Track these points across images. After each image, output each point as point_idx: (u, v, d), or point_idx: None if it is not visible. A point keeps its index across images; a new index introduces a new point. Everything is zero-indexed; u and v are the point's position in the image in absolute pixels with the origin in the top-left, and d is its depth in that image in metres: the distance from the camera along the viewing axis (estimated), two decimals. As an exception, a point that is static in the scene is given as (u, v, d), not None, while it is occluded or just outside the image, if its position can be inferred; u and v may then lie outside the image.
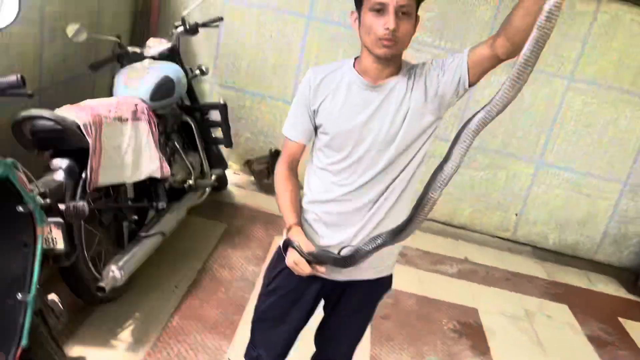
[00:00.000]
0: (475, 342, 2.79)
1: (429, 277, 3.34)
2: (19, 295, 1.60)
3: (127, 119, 2.40)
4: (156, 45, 3.05)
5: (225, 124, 3.21)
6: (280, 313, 1.68)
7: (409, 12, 1.37)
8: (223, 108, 3.19)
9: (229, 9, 3.85)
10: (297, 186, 1.60)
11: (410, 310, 2.94)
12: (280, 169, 1.61)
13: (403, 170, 1.52)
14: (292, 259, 1.47)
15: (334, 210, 1.55)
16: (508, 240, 4.14)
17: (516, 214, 4.10)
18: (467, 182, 4.05)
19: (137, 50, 2.99)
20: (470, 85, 1.43)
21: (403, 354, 2.58)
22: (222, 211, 3.54)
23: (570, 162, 3.93)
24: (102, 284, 2.15)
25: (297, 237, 1.48)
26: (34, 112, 2.03)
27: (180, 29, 3.13)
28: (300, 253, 1.44)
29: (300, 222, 1.56)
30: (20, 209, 1.55)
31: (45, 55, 2.81)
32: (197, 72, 3.27)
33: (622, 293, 3.75)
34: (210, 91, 4.08)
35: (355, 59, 1.54)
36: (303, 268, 1.45)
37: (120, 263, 2.23)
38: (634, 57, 3.66)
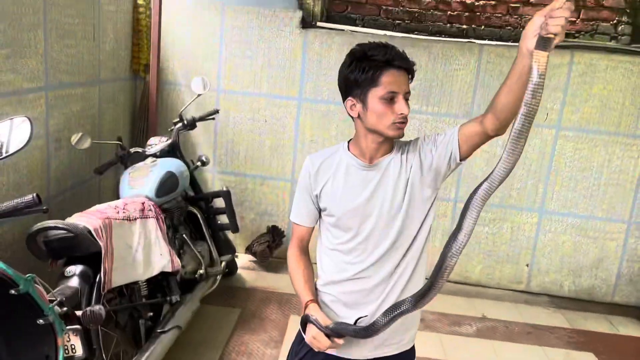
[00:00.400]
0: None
1: (449, 340, 3.29)
2: (44, 410, 1.61)
3: (135, 218, 2.48)
4: (157, 143, 3.18)
5: (229, 210, 3.29)
6: None
7: (408, 97, 1.53)
8: (226, 195, 3.28)
9: (223, 100, 4.04)
10: (310, 265, 1.67)
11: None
12: (291, 252, 1.69)
13: (413, 242, 1.57)
14: (311, 334, 1.50)
15: (350, 289, 1.60)
16: (523, 292, 4.12)
17: (527, 265, 4.09)
18: (474, 238, 4.07)
19: (139, 150, 3.13)
20: (461, 160, 1.55)
21: None
22: (235, 296, 3.54)
23: (572, 207, 3.97)
24: (123, 387, 2.14)
25: (314, 312, 1.53)
26: (47, 223, 2.11)
27: (179, 125, 3.28)
28: (318, 327, 1.47)
29: (317, 299, 1.61)
30: (41, 321, 1.59)
31: (52, 165, 2.94)
32: (199, 163, 3.38)
33: (647, 333, 3.68)
34: (213, 179, 4.19)
35: (349, 142, 1.65)
36: (322, 341, 1.47)
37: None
38: (614, 100, 3.80)
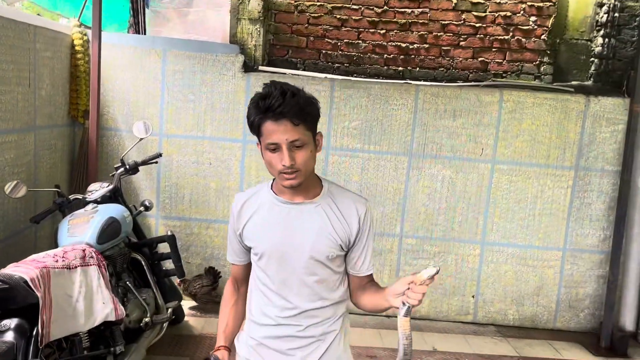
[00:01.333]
0: None
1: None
2: None
3: (76, 266, 2.39)
4: (97, 189, 3.10)
5: (175, 255, 3.21)
6: None
7: (303, 143, 1.46)
8: (171, 239, 3.21)
9: (166, 144, 4.01)
10: (240, 303, 1.71)
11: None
12: (226, 288, 1.74)
13: (329, 299, 1.59)
14: None
15: (271, 334, 1.60)
16: (471, 323, 4.20)
17: (473, 296, 4.19)
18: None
19: (79, 196, 3.04)
20: (345, 249, 1.60)
21: None
22: (183, 344, 3.42)
23: (511, 237, 4.14)
24: None
25: (220, 356, 1.58)
26: (-22, 275, 1.99)
27: (121, 170, 3.22)
28: None
29: (229, 346, 1.63)
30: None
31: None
32: (142, 208, 3.31)
33: (589, 357, 3.81)
34: (157, 225, 4.10)
35: (273, 180, 1.62)
36: None
37: None
38: (542, 134, 4.04)
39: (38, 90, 3.33)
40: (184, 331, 3.61)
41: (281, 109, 1.41)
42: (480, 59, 4.51)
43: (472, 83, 4.20)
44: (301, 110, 1.44)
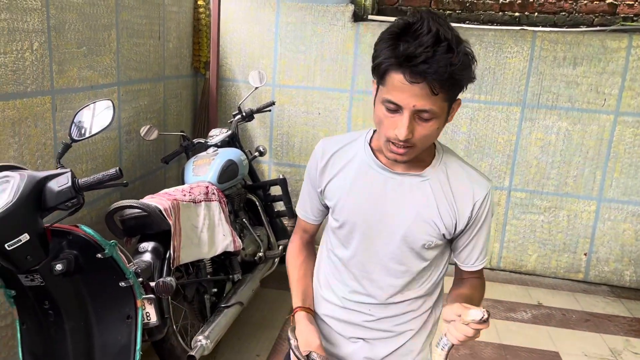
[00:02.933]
0: (561, 386, 2.73)
1: (504, 325, 3.31)
2: (126, 363, 1.79)
3: (200, 201, 2.65)
4: (218, 134, 3.37)
5: (286, 197, 3.43)
6: None
7: (433, 116, 1.11)
8: (283, 182, 3.42)
9: (279, 94, 4.20)
10: (311, 259, 1.48)
11: (487, 359, 2.92)
12: (292, 245, 1.49)
13: (418, 288, 1.33)
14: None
15: (336, 314, 1.38)
16: (581, 281, 4.05)
17: (585, 254, 4.02)
18: (528, 226, 4.05)
19: (202, 140, 3.32)
20: (448, 238, 1.30)
21: (487, 403, 2.56)
22: (285, 280, 3.68)
23: (633, 194, 3.88)
24: (192, 354, 2.31)
25: (299, 327, 1.31)
26: (123, 202, 2.31)
27: (238, 117, 3.45)
28: (297, 355, 1.25)
29: (309, 305, 1.39)
30: (123, 284, 1.77)
31: (123, 155, 3.17)
32: (256, 153, 3.55)
33: None
34: (269, 170, 4.36)
35: (374, 131, 1.31)
36: None
37: (207, 333, 2.40)
38: (677, 83, 3.69)
39: (166, 43, 3.64)
40: (293, 269, 3.87)
41: (425, 67, 1.03)
42: (608, 0, 4.15)
43: (597, 28, 3.90)
44: (451, 76, 1.05)
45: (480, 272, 1.36)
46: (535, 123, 3.91)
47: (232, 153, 3.18)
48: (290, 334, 1.31)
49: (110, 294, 1.78)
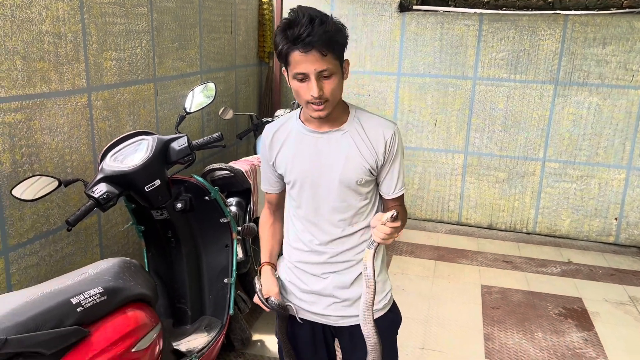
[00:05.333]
0: (580, 322, 3.16)
1: (534, 277, 3.75)
2: (226, 280, 2.40)
3: (272, 167, 3.24)
4: (282, 114, 3.94)
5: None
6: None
7: (332, 73, 1.43)
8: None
9: (333, 78, 4.73)
10: (278, 224, 1.77)
11: (517, 302, 3.39)
12: (262, 214, 1.80)
13: (357, 225, 1.60)
14: (255, 300, 1.67)
15: (303, 259, 1.65)
16: (612, 244, 4.41)
17: (616, 219, 4.37)
18: (562, 194, 4.43)
19: (269, 119, 3.90)
20: (374, 174, 1.60)
21: (513, 332, 3.04)
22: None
23: (661, 163, 4.20)
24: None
25: (263, 277, 1.66)
26: (214, 165, 2.92)
27: (285, 114, 4.01)
28: (259, 297, 1.63)
29: (273, 261, 1.72)
30: (223, 220, 2.37)
31: (205, 132, 3.80)
32: (315, 130, 4.10)
33: None
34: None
35: (301, 109, 1.60)
36: (263, 308, 1.64)
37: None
38: (702, 59, 3.97)
39: (237, 37, 4.24)
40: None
41: (310, 38, 1.37)
42: (640, -17, 4.43)
43: (626, 10, 4.21)
44: (330, 40, 1.40)
45: (401, 199, 1.64)
46: (568, 99, 4.28)
47: (295, 129, 3.74)
48: (256, 280, 1.66)
49: (214, 227, 2.39)
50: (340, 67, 1.48)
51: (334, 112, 1.53)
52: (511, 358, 2.81)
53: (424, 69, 4.53)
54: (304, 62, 1.40)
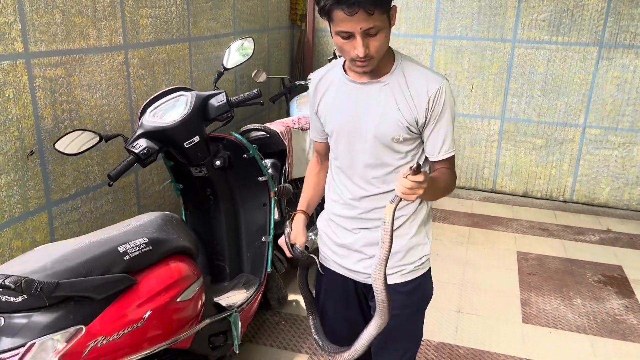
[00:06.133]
0: (620, 290, 3.09)
1: (572, 245, 3.67)
2: (263, 238, 2.40)
3: (306, 129, 3.20)
4: (315, 76, 3.89)
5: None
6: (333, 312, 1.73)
7: (378, 30, 1.33)
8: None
9: (366, 42, 4.63)
10: (322, 176, 1.73)
11: (555, 269, 3.32)
12: (310, 163, 1.80)
13: (393, 172, 1.51)
14: (280, 242, 1.67)
15: (338, 212, 1.60)
16: (653, 213, 4.28)
17: (658, 187, 4.23)
18: (602, 161, 4.30)
19: (302, 82, 3.85)
20: (415, 131, 1.49)
21: (551, 298, 2.99)
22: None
23: None
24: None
25: (294, 224, 1.65)
26: (250, 126, 2.89)
27: (333, 61, 3.94)
28: (286, 241, 1.63)
29: (309, 211, 1.70)
30: (261, 178, 2.36)
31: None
32: (348, 93, 4.04)
33: None
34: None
35: None
36: (286, 251, 1.65)
37: (316, 231, 2.97)
38: None
39: (269, -2, 4.17)
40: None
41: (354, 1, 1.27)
42: (694, -61, 4.18)
43: (679, -34, 3.99)
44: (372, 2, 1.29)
45: (448, 162, 1.51)
46: (612, 62, 4.11)
47: (329, 92, 3.69)
48: (287, 224, 1.65)
49: (252, 185, 2.38)
50: (388, 20, 1.36)
51: (380, 64, 1.44)
52: (549, 323, 2.77)
53: (461, 32, 4.39)
54: (348, 21, 1.31)
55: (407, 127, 1.45)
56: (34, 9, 1.99)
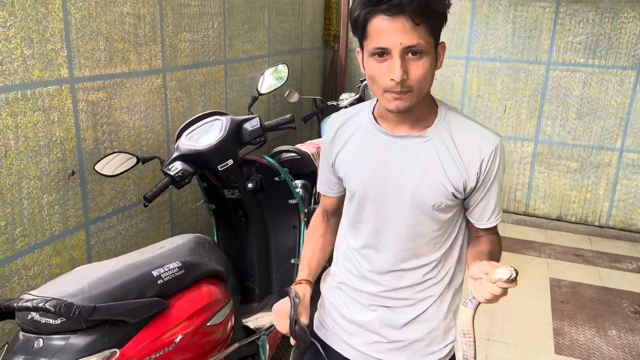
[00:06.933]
0: (658, 322, 3.00)
1: (608, 272, 3.58)
2: (293, 260, 2.42)
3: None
4: (347, 97, 3.92)
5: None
6: None
7: (423, 51, 1.09)
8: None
9: (399, 62, 4.65)
10: (329, 234, 1.47)
11: (589, 297, 3.24)
12: (314, 218, 1.50)
13: (433, 257, 1.28)
14: (278, 307, 1.33)
15: (354, 286, 1.35)
16: (694, 242, 4.14)
17: (699, 215, 4.10)
18: (640, 187, 4.20)
19: (334, 102, 3.89)
20: (459, 197, 1.25)
21: (585, 328, 2.92)
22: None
23: None
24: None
25: (300, 291, 1.33)
26: (282, 147, 2.94)
27: (365, 82, 3.98)
28: (291, 315, 1.26)
29: (312, 281, 1.39)
30: (291, 201, 2.39)
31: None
32: (379, 114, 4.06)
33: None
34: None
35: (377, 100, 1.27)
36: (280, 325, 1.32)
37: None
38: None
39: (303, 19, 4.23)
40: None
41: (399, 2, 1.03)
42: None
43: None
44: (427, 5, 1.05)
45: (495, 228, 1.31)
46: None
47: (361, 113, 3.72)
48: (292, 288, 1.33)
49: (282, 208, 2.41)
50: (435, 49, 1.13)
51: (418, 110, 1.18)
52: (583, 354, 2.70)
53: (495, 53, 4.37)
54: (387, 31, 1.06)
55: (453, 192, 1.21)
56: (79, 36, 2.08)
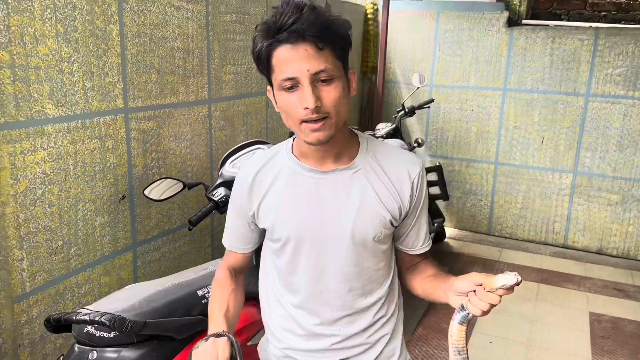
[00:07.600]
0: None
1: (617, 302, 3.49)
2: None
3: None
4: (383, 127, 3.99)
5: (441, 181, 3.95)
6: None
7: (332, 76, 1.06)
8: (439, 168, 3.95)
9: (435, 94, 4.73)
10: (239, 295, 1.32)
11: (630, 333, 3.17)
12: (220, 272, 1.36)
13: (376, 286, 1.25)
14: (204, 354, 1.10)
15: (302, 347, 1.26)
16: None
17: None
18: (685, 221, 4.10)
19: (371, 132, 3.97)
20: (395, 225, 1.23)
21: (625, 365, 2.85)
22: (443, 258, 4.19)
23: None
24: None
25: (211, 348, 1.10)
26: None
27: (401, 112, 4.05)
28: (238, 352, 1.10)
29: (231, 331, 1.21)
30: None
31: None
32: (415, 144, 4.10)
33: None
34: (425, 160, 4.91)
35: (294, 139, 1.22)
36: None
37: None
38: None
39: (342, 52, 4.36)
40: (444, 248, 4.38)
41: (298, 25, 1.02)
42: None
43: None
44: (326, 29, 1.03)
45: (429, 252, 1.31)
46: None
47: (397, 143, 3.78)
48: (228, 334, 1.14)
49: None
50: (345, 74, 1.10)
51: (339, 142, 1.14)
52: (623, 392, 2.64)
53: (532, 85, 4.39)
54: (292, 60, 1.03)
55: (390, 220, 1.18)
56: (134, 69, 2.23)
